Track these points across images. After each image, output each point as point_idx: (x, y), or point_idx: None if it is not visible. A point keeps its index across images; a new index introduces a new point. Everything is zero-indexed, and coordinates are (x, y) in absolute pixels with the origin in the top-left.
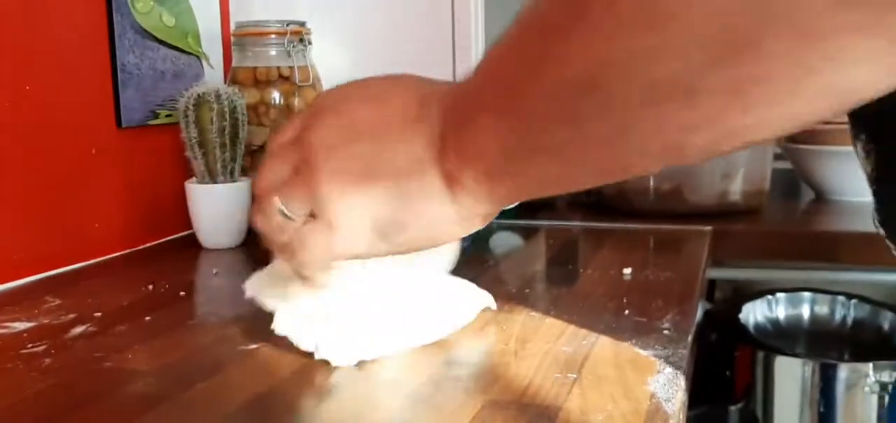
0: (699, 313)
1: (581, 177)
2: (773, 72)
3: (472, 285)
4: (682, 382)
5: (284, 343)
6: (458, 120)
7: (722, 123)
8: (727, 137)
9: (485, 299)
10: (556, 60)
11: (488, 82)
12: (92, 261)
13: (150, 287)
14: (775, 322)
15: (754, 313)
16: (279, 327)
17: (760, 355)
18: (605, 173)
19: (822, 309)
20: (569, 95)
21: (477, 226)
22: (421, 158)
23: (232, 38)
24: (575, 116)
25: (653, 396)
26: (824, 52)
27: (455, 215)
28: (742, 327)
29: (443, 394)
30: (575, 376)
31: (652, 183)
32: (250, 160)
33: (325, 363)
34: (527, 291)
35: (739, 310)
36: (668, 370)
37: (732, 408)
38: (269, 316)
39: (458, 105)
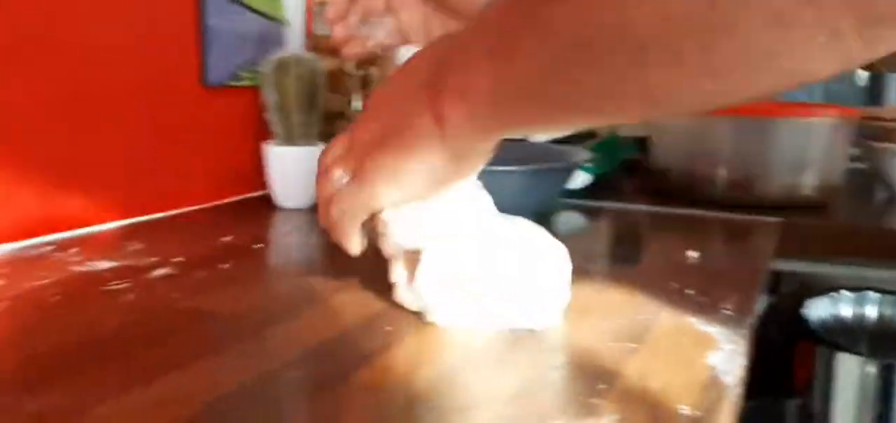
0: (762, 306)
1: (564, 122)
2: (742, 50)
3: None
4: (741, 359)
5: (356, 294)
6: (452, 64)
7: (695, 87)
8: (697, 99)
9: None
10: (550, 19)
11: (486, 31)
12: (172, 212)
13: (228, 239)
14: (839, 320)
15: (817, 309)
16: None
17: (821, 351)
18: (585, 120)
19: (887, 310)
20: (560, 51)
21: (475, 165)
22: (418, 108)
23: (314, 6)
24: (565, 70)
25: (712, 369)
26: (788, 39)
27: (448, 155)
28: (804, 323)
29: (500, 355)
30: (634, 346)
31: (721, 172)
32: (327, 126)
33: (398, 313)
34: (588, 266)
35: (802, 305)
36: (729, 346)
37: (791, 403)
38: (337, 272)
39: (455, 52)
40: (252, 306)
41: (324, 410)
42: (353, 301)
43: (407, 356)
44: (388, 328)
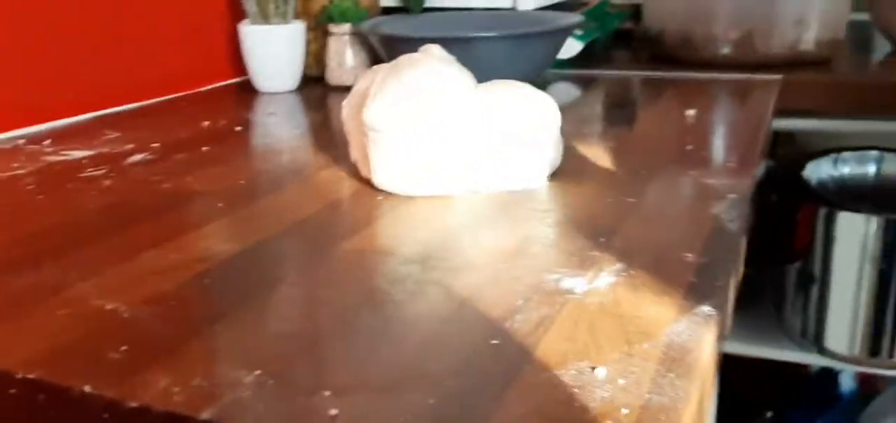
0: (762, 170)
1: None
2: None
3: (549, 141)
4: (746, 206)
5: (343, 170)
6: None
7: None
8: None
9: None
10: None
11: None
12: (149, 101)
13: (207, 123)
14: (840, 181)
15: (818, 171)
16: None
17: (822, 211)
18: None
19: (889, 167)
20: None
21: None
22: None
23: None
24: None
25: (716, 218)
26: None
27: None
28: (805, 185)
29: (494, 216)
30: (633, 200)
31: (721, 30)
32: (302, 2)
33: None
34: (583, 130)
35: (803, 168)
36: (733, 196)
37: (790, 267)
38: (322, 150)
39: None
40: (236, 184)
41: (319, 274)
42: (339, 176)
43: (398, 223)
44: (379, 198)
